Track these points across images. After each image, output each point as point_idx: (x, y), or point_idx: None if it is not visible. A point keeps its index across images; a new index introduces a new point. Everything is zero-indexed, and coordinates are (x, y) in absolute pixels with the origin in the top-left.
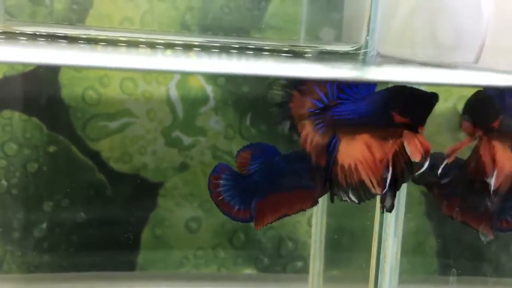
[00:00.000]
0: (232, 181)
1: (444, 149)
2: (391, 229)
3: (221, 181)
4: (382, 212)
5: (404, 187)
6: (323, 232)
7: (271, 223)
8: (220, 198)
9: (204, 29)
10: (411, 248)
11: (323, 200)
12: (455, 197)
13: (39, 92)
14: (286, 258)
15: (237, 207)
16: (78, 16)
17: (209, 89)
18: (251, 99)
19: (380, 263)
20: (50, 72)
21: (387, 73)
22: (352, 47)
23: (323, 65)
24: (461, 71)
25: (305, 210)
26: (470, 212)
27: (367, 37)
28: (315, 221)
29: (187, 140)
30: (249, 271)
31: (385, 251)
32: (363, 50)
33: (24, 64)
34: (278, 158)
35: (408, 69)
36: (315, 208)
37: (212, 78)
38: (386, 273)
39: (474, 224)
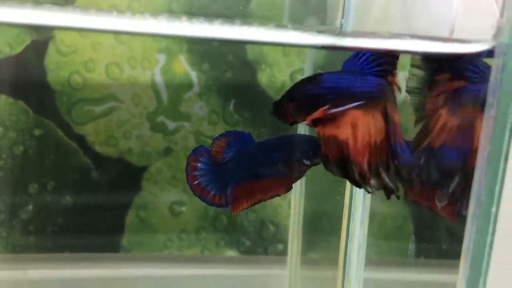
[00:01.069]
0: (209, 165)
1: None
2: (358, 213)
3: (199, 164)
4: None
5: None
6: (301, 215)
7: (246, 208)
8: (196, 182)
9: (190, 17)
10: (389, 232)
11: (301, 183)
12: (420, 183)
13: (25, 76)
14: (268, 240)
15: (212, 193)
16: (64, 4)
17: (193, 74)
18: (235, 85)
19: (348, 246)
20: (36, 56)
21: (360, 42)
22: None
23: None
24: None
25: (279, 195)
26: (433, 197)
27: (342, 20)
28: (293, 204)
29: (171, 125)
30: (231, 253)
31: (353, 234)
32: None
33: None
34: (252, 145)
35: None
36: (293, 191)
37: (197, 64)
38: (354, 257)
39: (437, 209)
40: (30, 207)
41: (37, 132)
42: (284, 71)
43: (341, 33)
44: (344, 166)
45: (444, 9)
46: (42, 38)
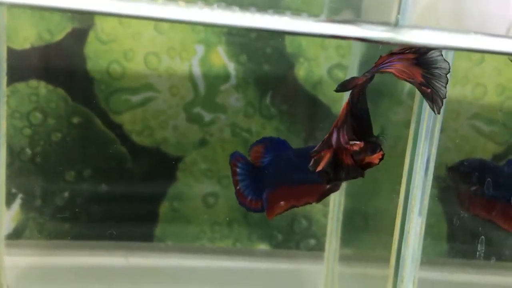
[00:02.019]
0: (246, 170)
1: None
2: (416, 209)
3: (238, 169)
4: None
5: (431, 169)
6: (340, 211)
7: (281, 213)
8: (238, 187)
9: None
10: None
11: None
12: (480, 196)
13: (64, 63)
14: (300, 235)
15: (250, 197)
16: None
17: (231, 66)
18: (272, 78)
19: (403, 243)
20: (76, 44)
21: (421, 36)
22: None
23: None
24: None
25: (311, 203)
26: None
27: (398, 16)
28: (332, 200)
29: (207, 116)
30: (263, 246)
31: (408, 232)
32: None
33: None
34: (289, 152)
35: (444, 33)
36: None
37: (235, 55)
38: (409, 255)
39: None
40: (66, 194)
41: (75, 120)
42: (322, 66)
43: (398, 26)
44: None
45: (499, 5)
46: (82, 26)
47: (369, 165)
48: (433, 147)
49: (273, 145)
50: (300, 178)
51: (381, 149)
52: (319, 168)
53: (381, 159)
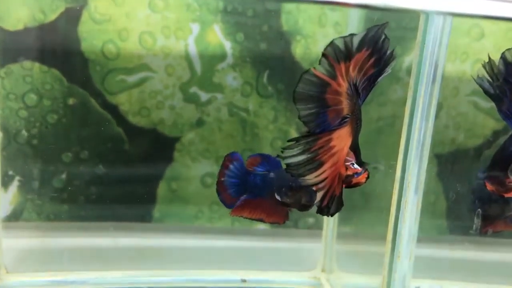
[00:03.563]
0: (238, 170)
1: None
2: (412, 185)
3: (231, 166)
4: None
5: (427, 145)
6: None
7: (244, 218)
8: (223, 179)
9: None
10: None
11: None
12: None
13: (59, 44)
14: (298, 214)
15: (229, 192)
16: None
17: (227, 45)
18: (269, 56)
19: (400, 220)
20: (70, 24)
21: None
22: None
23: None
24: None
25: (279, 224)
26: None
27: None
28: None
29: (204, 96)
30: (261, 226)
31: (405, 209)
32: None
33: None
34: (277, 171)
35: None
36: None
37: (231, 34)
38: (405, 231)
39: None
40: (64, 176)
41: (71, 101)
42: (320, 43)
43: None
44: None
45: None
46: (76, 5)
47: (357, 184)
48: (429, 123)
49: (270, 162)
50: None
51: (366, 169)
52: (323, 203)
53: (367, 178)
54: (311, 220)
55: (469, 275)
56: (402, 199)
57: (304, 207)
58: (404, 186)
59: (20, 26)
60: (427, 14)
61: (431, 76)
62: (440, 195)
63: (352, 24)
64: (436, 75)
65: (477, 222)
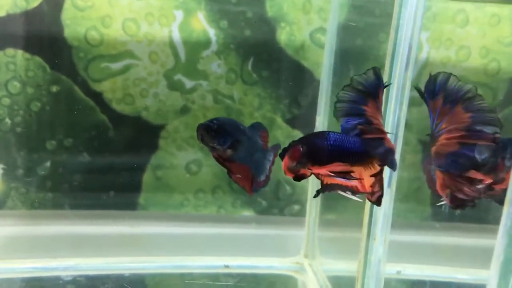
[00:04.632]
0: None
1: None
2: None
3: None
4: None
5: (401, 129)
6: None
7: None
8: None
9: None
10: (405, 195)
11: None
12: None
13: (41, 31)
14: (284, 201)
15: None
16: None
17: (211, 32)
18: (253, 43)
19: (374, 209)
20: (53, 11)
21: None
22: None
23: None
24: None
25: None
26: None
27: None
28: None
29: (189, 83)
30: (247, 213)
31: None
32: None
33: None
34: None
35: None
36: None
37: (215, 21)
38: (380, 216)
39: None
40: (48, 164)
41: (54, 89)
42: (304, 30)
43: None
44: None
45: None
46: None
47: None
48: (403, 107)
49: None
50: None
51: None
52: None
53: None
54: (296, 207)
55: (450, 259)
56: None
57: None
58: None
59: (2, 13)
60: None
61: (405, 59)
62: (424, 182)
63: (335, 10)
64: (409, 57)
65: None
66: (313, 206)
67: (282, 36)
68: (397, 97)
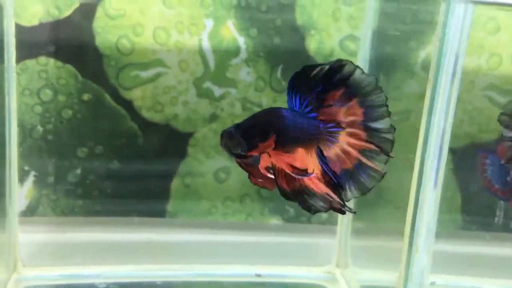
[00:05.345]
0: None
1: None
2: (431, 181)
3: None
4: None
5: (447, 139)
6: None
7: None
8: None
9: None
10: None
11: None
12: None
13: (73, 39)
14: None
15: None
16: None
17: (241, 40)
18: (283, 51)
19: (417, 215)
20: (85, 20)
21: None
22: None
23: None
24: None
25: None
26: None
27: None
28: None
29: (218, 91)
30: (275, 221)
31: (423, 203)
32: None
33: None
34: None
35: None
36: None
37: (245, 29)
38: (423, 226)
39: None
40: (78, 171)
41: (85, 96)
42: (334, 37)
43: None
44: (300, 195)
45: None
46: (90, 1)
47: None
48: (448, 117)
49: None
50: None
51: None
52: None
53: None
54: (324, 215)
55: (483, 270)
56: (421, 193)
57: None
58: (422, 180)
59: (35, 22)
60: (448, 2)
61: (452, 69)
62: (455, 190)
63: (369, 17)
64: (456, 68)
65: (499, 214)
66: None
67: (312, 43)
68: (442, 108)
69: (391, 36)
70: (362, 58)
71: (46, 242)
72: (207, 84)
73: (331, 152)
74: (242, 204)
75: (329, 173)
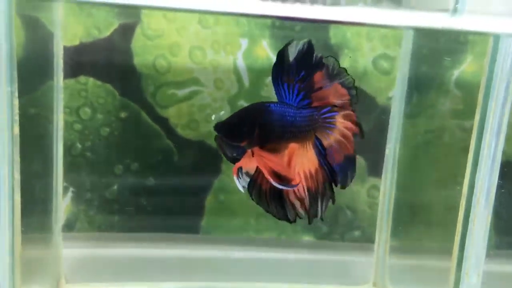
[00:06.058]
0: None
1: None
2: (482, 200)
3: None
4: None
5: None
6: (391, 203)
7: None
8: None
9: None
10: None
11: (392, 173)
12: None
13: (112, 59)
14: (345, 227)
15: None
16: None
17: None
18: None
19: (468, 236)
20: (123, 40)
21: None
22: None
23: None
24: None
25: None
26: None
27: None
28: (382, 192)
29: None
30: (308, 238)
31: (473, 224)
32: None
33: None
34: None
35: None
36: (383, 180)
37: (279, 48)
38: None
39: None
40: (115, 187)
41: (123, 115)
42: (367, 56)
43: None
44: (278, 196)
45: None
46: (129, 22)
47: None
48: (500, 137)
49: None
50: None
51: None
52: None
53: None
54: (357, 233)
55: None
56: (471, 213)
57: None
58: (473, 201)
59: (75, 42)
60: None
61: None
62: None
63: (407, 37)
64: (508, 92)
65: None
66: (382, 232)
67: (345, 62)
68: (493, 130)
69: (426, 55)
70: (401, 77)
71: (84, 258)
72: (242, 102)
73: (332, 139)
74: (275, 220)
75: (326, 168)
